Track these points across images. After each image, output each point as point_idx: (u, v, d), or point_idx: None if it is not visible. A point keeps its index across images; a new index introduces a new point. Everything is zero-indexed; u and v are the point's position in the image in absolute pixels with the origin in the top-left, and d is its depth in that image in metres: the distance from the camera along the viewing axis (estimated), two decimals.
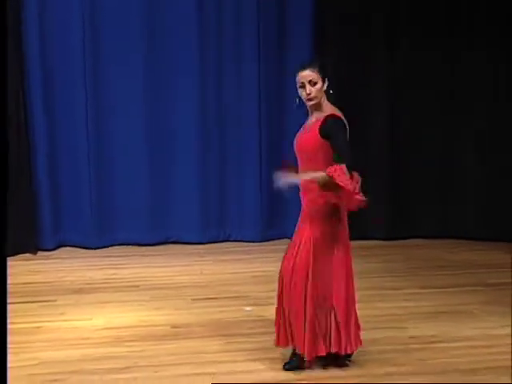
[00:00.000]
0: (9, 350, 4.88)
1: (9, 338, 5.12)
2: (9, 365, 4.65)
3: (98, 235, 7.82)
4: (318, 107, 4.52)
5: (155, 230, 7.96)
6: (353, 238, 7.75)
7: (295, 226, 4.73)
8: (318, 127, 4.47)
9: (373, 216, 8.08)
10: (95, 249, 7.76)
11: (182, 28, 7.77)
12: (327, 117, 4.46)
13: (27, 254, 7.51)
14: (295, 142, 4.64)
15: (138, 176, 7.87)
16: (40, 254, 7.59)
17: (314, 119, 4.53)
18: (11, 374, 4.56)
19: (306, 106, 4.57)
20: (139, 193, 7.91)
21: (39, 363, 4.75)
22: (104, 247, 7.80)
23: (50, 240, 7.73)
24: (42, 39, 7.56)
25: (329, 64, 4.75)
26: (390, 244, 7.94)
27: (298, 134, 4.64)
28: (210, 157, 7.98)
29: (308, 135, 4.53)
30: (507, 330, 5.25)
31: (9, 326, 5.36)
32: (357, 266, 6.80)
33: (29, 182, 7.59)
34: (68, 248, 7.80)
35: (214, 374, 4.56)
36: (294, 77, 4.53)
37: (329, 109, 4.52)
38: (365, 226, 8.09)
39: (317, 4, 7.94)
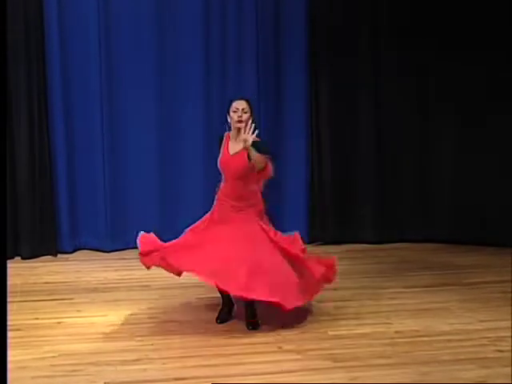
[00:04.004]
0: (32, 343, 4.99)
1: (32, 333, 5.20)
2: (32, 356, 4.75)
3: (112, 240, 7.84)
4: (241, 133, 5.24)
5: (164, 235, 7.93)
6: (345, 241, 7.93)
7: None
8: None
9: (363, 222, 8.14)
10: (109, 252, 7.78)
11: (189, 38, 7.83)
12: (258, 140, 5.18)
13: (48, 257, 7.53)
14: (222, 162, 5.39)
15: (148, 187, 7.90)
16: (60, 256, 7.60)
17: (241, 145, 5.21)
18: (34, 365, 4.62)
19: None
20: (149, 202, 7.93)
21: (59, 355, 4.79)
22: (118, 250, 7.80)
23: (68, 244, 7.76)
24: (63, 50, 7.58)
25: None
26: (378, 247, 7.94)
27: (222, 156, 5.40)
28: (214, 172, 7.98)
29: (238, 158, 5.28)
30: (483, 325, 5.30)
31: (33, 322, 5.45)
32: (348, 267, 6.93)
33: (50, 192, 7.62)
34: (85, 251, 7.82)
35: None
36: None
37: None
38: (356, 230, 8.13)
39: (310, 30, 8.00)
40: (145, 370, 4.56)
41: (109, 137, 7.77)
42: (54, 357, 4.76)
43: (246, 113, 5.32)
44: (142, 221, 7.91)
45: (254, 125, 5.18)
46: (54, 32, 7.56)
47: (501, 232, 7.69)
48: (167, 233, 7.93)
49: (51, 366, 4.62)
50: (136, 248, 7.88)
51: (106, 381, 4.39)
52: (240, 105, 5.33)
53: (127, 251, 7.83)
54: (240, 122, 5.30)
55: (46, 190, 7.59)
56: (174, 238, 7.91)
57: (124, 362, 4.67)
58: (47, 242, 7.58)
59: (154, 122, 7.86)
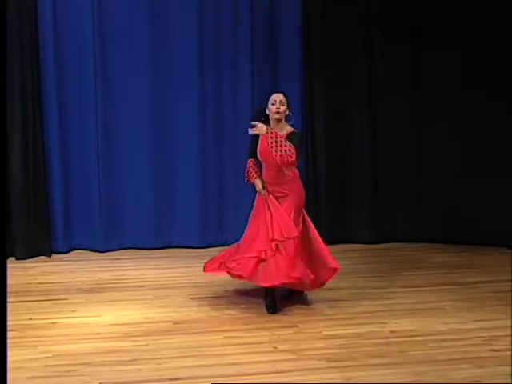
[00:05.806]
0: (27, 344, 4.99)
1: (26, 333, 5.21)
2: (27, 357, 4.75)
3: (107, 240, 7.84)
4: (279, 123, 5.67)
5: (159, 235, 7.99)
6: (340, 241, 7.94)
7: None
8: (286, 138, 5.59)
9: (358, 222, 8.15)
10: (104, 252, 7.78)
11: (184, 37, 7.83)
12: (293, 131, 5.66)
13: (43, 257, 7.53)
14: (264, 153, 5.65)
15: (143, 188, 7.89)
16: (54, 256, 7.60)
17: (280, 133, 5.62)
18: (29, 365, 4.63)
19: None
20: (144, 202, 7.93)
21: (54, 356, 4.79)
22: (112, 251, 7.80)
23: (63, 244, 7.76)
24: (57, 52, 7.59)
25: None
26: (373, 247, 7.96)
27: (262, 147, 5.65)
28: (209, 172, 8.01)
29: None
30: (477, 325, 5.32)
31: (27, 322, 5.45)
32: (344, 267, 6.92)
33: (44, 192, 7.62)
34: (80, 251, 7.81)
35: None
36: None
37: (288, 127, 5.69)
38: (351, 230, 8.14)
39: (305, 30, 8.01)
40: (140, 370, 4.57)
41: (103, 137, 7.77)
42: (48, 357, 4.76)
43: (283, 105, 5.65)
44: (137, 221, 7.93)
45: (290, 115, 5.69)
46: (49, 35, 7.57)
47: (496, 232, 7.70)
48: (161, 233, 7.98)
49: (46, 366, 4.61)
50: (130, 248, 7.96)
51: (101, 381, 4.40)
52: (278, 97, 5.67)
53: (122, 251, 7.85)
54: (278, 113, 5.65)
55: (40, 190, 7.58)
56: (169, 239, 7.99)
57: (119, 363, 4.67)
58: (41, 243, 7.58)
59: (148, 122, 7.86)
